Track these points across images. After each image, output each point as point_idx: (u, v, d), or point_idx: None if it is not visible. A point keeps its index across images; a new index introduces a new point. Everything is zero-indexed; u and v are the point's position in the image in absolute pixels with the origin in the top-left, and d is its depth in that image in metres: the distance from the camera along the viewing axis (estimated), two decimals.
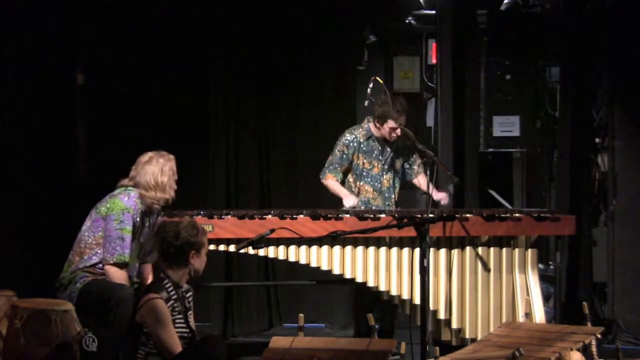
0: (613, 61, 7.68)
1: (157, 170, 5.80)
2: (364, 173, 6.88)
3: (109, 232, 5.69)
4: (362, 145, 6.86)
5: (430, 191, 6.67)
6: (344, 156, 6.85)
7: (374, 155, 6.88)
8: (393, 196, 6.95)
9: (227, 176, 7.99)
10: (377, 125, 6.82)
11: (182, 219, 5.16)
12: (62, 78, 7.59)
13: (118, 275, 5.66)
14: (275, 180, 8.20)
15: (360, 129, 6.92)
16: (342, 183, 6.93)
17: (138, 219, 5.78)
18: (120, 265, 5.67)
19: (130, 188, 5.81)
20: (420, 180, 7.05)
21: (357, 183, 6.88)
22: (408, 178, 7.05)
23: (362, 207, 6.80)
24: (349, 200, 6.74)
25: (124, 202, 5.73)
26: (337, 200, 7.02)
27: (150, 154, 5.88)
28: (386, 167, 6.90)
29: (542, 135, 8.16)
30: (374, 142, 6.88)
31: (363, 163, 6.87)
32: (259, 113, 8.14)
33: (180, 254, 5.06)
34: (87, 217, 5.84)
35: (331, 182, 6.87)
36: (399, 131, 6.76)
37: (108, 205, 5.75)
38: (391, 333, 6.88)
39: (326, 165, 6.91)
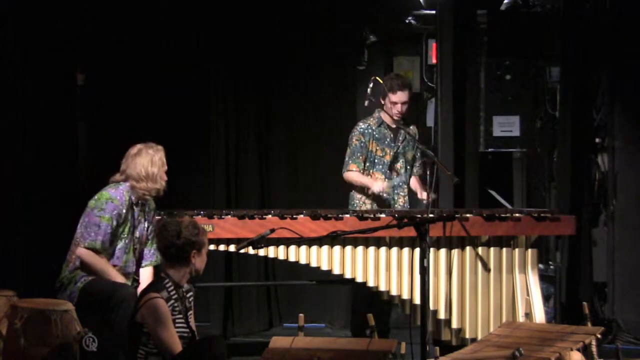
0: (613, 61, 7.68)
1: (147, 161, 5.85)
2: (376, 160, 6.89)
3: (88, 218, 5.75)
4: (374, 132, 6.89)
5: (420, 194, 6.71)
6: (362, 144, 6.86)
7: (386, 142, 6.90)
8: (405, 186, 6.94)
9: (227, 176, 7.99)
10: (382, 102, 6.84)
11: (182, 219, 5.16)
12: (62, 78, 7.59)
13: (91, 258, 5.68)
14: (275, 180, 8.20)
15: (372, 118, 6.95)
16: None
17: (124, 211, 5.79)
18: (91, 250, 5.69)
19: (120, 183, 5.85)
20: (413, 182, 7.04)
21: (370, 171, 6.88)
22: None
23: (387, 183, 6.80)
24: (377, 185, 6.73)
25: (110, 193, 5.80)
26: (339, 201, 7.02)
27: (139, 146, 5.92)
28: (398, 155, 6.91)
29: (542, 135, 8.16)
30: (385, 130, 6.90)
31: (376, 150, 6.89)
32: (259, 113, 8.14)
33: (181, 254, 5.07)
34: (82, 217, 5.86)
35: (354, 173, 6.85)
36: (399, 107, 6.79)
37: (96, 197, 5.81)
38: (386, 333, 6.87)
39: (346, 159, 6.88)
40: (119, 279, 5.71)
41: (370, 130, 6.89)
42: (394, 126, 6.91)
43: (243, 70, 8.04)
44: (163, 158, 5.92)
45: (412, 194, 7.08)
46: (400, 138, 6.94)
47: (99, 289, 5.65)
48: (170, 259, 5.08)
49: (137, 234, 5.88)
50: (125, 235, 5.82)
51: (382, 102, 6.87)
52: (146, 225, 5.95)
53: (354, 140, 6.89)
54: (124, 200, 5.79)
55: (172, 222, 5.13)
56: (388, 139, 6.92)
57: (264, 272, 8.10)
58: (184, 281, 5.16)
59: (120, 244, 5.82)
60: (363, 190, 6.86)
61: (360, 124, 6.95)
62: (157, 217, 6.03)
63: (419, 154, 7.02)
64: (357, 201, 6.88)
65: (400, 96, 6.78)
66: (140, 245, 5.93)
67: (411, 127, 6.99)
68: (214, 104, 8.01)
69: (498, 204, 8.06)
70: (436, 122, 8.02)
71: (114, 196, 5.78)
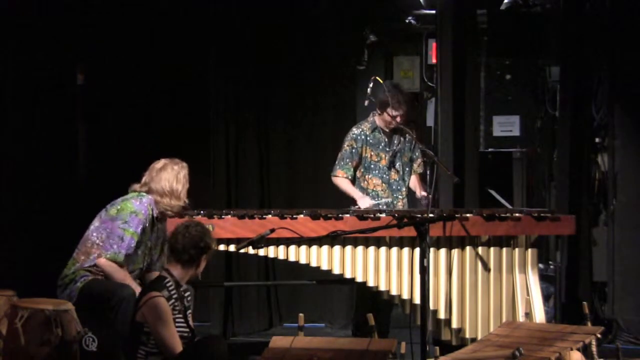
0: (613, 61, 7.67)
1: (172, 177, 5.81)
2: (372, 166, 6.88)
3: (112, 229, 5.70)
4: (368, 138, 6.88)
5: (419, 193, 6.69)
6: (354, 150, 6.86)
7: (380, 147, 6.89)
8: (403, 189, 6.93)
9: (227, 176, 7.99)
10: (379, 112, 6.85)
11: (192, 220, 5.22)
12: (62, 78, 7.59)
13: (112, 269, 5.65)
14: (275, 180, 8.20)
15: (366, 123, 6.95)
16: (353, 180, 6.91)
17: (147, 225, 5.77)
18: (113, 262, 5.67)
19: (143, 193, 5.81)
20: (413, 181, 7.03)
21: (366, 176, 6.89)
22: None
23: (374, 202, 6.79)
24: (364, 202, 6.73)
25: (134, 205, 5.74)
26: (338, 201, 7.02)
27: (164, 160, 5.88)
28: (394, 159, 6.91)
29: (542, 135, 8.16)
30: (380, 134, 6.89)
31: (371, 155, 6.88)
32: (259, 113, 8.14)
33: (198, 256, 5.11)
34: (96, 217, 5.83)
35: (342, 180, 6.86)
36: (398, 119, 6.80)
37: (119, 207, 5.76)
38: (386, 334, 6.87)
39: (336, 162, 6.91)
40: (137, 288, 5.66)
41: (363, 137, 6.87)
42: (388, 130, 6.90)
43: (243, 70, 8.04)
44: (187, 175, 5.89)
45: (411, 194, 7.08)
46: (396, 141, 6.93)
47: (98, 288, 5.64)
48: (182, 259, 5.11)
49: (149, 244, 5.87)
50: (142, 248, 5.81)
51: (379, 111, 6.86)
52: (157, 235, 5.93)
53: (345, 145, 6.90)
54: (148, 215, 5.77)
55: (194, 224, 5.17)
56: (382, 144, 6.90)
57: (264, 272, 8.10)
58: (185, 281, 5.17)
59: (135, 257, 5.81)
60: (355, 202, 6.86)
61: (354, 129, 6.94)
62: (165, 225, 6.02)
63: (417, 153, 7.01)
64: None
65: (400, 111, 6.80)
66: (150, 255, 5.92)
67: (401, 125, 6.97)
68: (214, 104, 8.00)
69: (498, 203, 8.06)
70: (436, 122, 8.02)
71: (138, 210, 5.73)
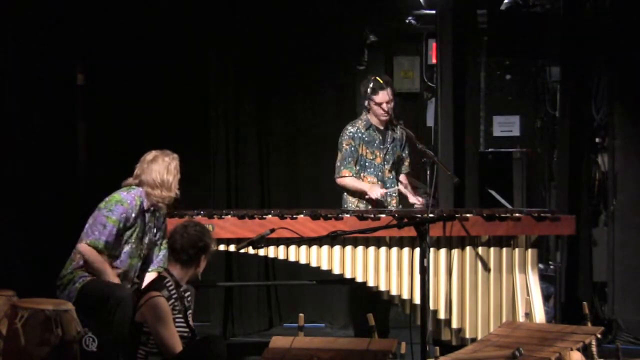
0: (613, 61, 7.68)
1: (163, 168, 5.81)
2: (367, 163, 6.87)
3: (96, 217, 5.72)
4: (364, 136, 6.87)
5: (412, 199, 6.69)
6: (353, 149, 6.84)
7: (375, 144, 6.88)
8: (395, 186, 6.94)
9: (227, 176, 7.99)
10: (367, 106, 6.83)
11: (191, 221, 5.23)
12: (62, 78, 7.59)
13: (92, 256, 5.64)
14: (275, 180, 8.20)
15: (360, 121, 6.93)
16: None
17: (133, 215, 5.76)
18: (93, 248, 5.68)
19: (134, 187, 5.82)
20: (401, 180, 7.03)
21: (361, 174, 6.87)
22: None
23: (384, 190, 6.77)
24: (375, 191, 6.70)
25: (121, 195, 5.77)
26: (338, 201, 7.02)
27: (154, 152, 5.88)
28: (387, 156, 6.90)
29: (542, 135, 8.16)
30: (374, 132, 6.88)
31: (366, 153, 6.87)
32: (259, 113, 8.14)
33: (197, 256, 5.12)
34: (90, 217, 5.84)
35: (349, 179, 6.82)
36: (384, 106, 6.77)
37: (107, 199, 5.78)
38: (386, 333, 6.87)
39: (338, 164, 6.86)
40: (115, 279, 5.68)
41: (359, 134, 6.86)
42: (381, 127, 6.90)
43: (243, 70, 8.04)
44: (178, 166, 5.88)
45: (403, 196, 7.07)
46: (389, 139, 6.93)
47: (97, 289, 5.64)
48: (184, 259, 5.12)
49: (145, 240, 5.86)
50: (133, 240, 5.80)
51: (368, 106, 6.86)
52: (155, 230, 5.93)
53: (344, 145, 6.86)
54: (134, 205, 5.76)
55: (193, 224, 5.18)
56: (377, 141, 6.89)
57: (264, 272, 8.10)
58: (184, 281, 5.18)
59: (126, 248, 5.79)
60: (355, 193, 6.83)
61: (349, 127, 6.91)
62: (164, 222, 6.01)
63: (405, 153, 7.00)
64: (351, 205, 6.86)
65: (382, 96, 6.76)
66: (147, 251, 5.92)
67: (399, 125, 6.96)
68: (214, 103, 8.00)
69: (498, 204, 8.06)
70: (436, 122, 8.02)
71: (124, 199, 5.75)
